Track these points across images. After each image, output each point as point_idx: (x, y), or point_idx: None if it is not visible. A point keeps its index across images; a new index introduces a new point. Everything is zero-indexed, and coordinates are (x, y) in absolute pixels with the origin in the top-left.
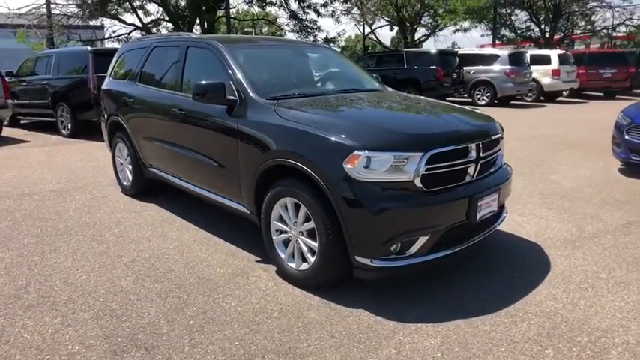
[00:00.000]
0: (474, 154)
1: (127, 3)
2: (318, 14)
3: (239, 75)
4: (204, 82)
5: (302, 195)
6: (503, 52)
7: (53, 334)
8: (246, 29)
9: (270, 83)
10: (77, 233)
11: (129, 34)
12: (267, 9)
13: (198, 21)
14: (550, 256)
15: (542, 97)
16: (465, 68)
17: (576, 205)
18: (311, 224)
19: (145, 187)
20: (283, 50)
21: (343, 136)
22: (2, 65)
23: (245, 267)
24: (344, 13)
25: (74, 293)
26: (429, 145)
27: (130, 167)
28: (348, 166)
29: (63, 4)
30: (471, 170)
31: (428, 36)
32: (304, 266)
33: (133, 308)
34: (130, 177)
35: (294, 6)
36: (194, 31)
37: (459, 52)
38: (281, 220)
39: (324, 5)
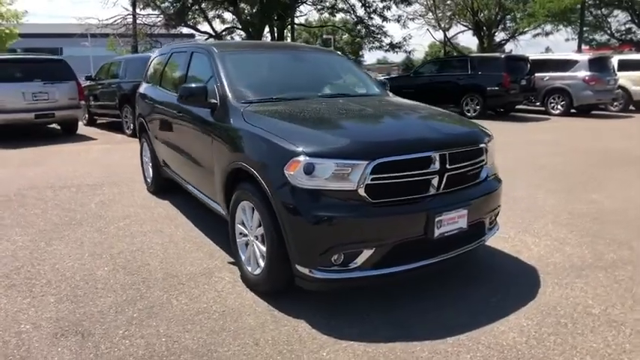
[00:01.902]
0: (437, 164)
1: (202, 13)
2: (384, 19)
3: (223, 79)
4: (187, 85)
5: (254, 199)
6: (583, 57)
7: (15, 313)
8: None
9: (252, 88)
10: (87, 224)
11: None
12: (338, 15)
13: (268, 29)
14: (543, 284)
15: (632, 107)
16: (537, 75)
17: (606, 228)
18: (262, 229)
19: (163, 185)
20: (281, 55)
21: (287, 141)
22: (90, 71)
23: (215, 267)
24: (410, 17)
25: (54, 278)
26: (376, 154)
27: (151, 165)
28: (288, 172)
29: (145, 15)
30: (435, 182)
31: (507, 40)
32: (258, 271)
33: (93, 296)
34: (151, 175)
35: (360, 12)
36: (263, 38)
37: (533, 58)
38: (243, 223)
39: (388, 8)
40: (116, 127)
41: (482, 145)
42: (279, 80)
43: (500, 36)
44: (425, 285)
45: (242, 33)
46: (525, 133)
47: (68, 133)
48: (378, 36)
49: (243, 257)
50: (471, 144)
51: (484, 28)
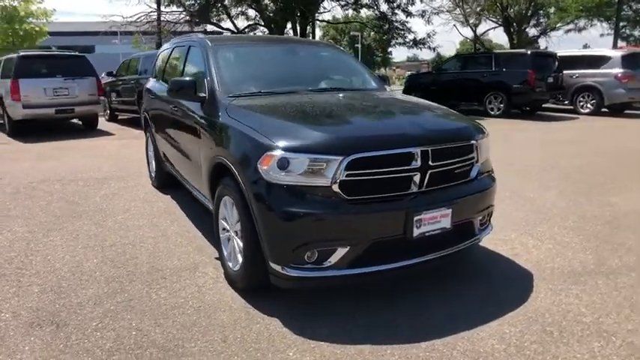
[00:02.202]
0: (418, 161)
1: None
2: (408, 14)
3: (213, 73)
4: (176, 78)
5: (233, 194)
6: (616, 53)
7: None
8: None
9: (241, 81)
10: (87, 217)
11: None
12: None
13: (290, 25)
14: (536, 289)
15: None
16: (566, 72)
17: (617, 233)
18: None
19: (166, 180)
20: (276, 49)
21: (263, 135)
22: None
23: (201, 263)
24: (435, 12)
25: (43, 269)
26: (351, 149)
27: (154, 160)
28: (262, 167)
29: (168, 12)
30: (416, 179)
31: (537, 37)
32: (237, 267)
33: (76, 288)
34: (154, 169)
35: (384, 7)
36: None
37: (562, 54)
38: (225, 218)
39: (412, 3)
40: (136, 123)
41: (472, 142)
42: (271, 74)
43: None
44: (415, 284)
45: (265, 30)
46: (549, 132)
47: (89, 128)
48: (402, 32)
49: (225, 253)
50: (458, 140)
51: (514, 24)
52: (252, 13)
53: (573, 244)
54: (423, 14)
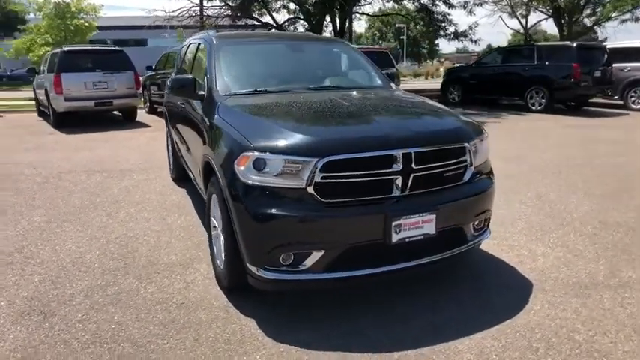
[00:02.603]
0: (400, 164)
1: (264, 5)
2: (450, 6)
3: (213, 70)
4: (176, 76)
5: (217, 193)
6: None
7: (0, 290)
8: (398, 24)
9: (239, 79)
10: (102, 208)
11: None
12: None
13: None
14: (531, 301)
15: None
16: (616, 65)
17: (639, 242)
18: None
19: (182, 173)
20: (281, 46)
21: (242, 135)
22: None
23: (196, 258)
24: (477, 3)
25: (48, 258)
26: (327, 151)
27: (171, 153)
28: (238, 167)
29: (209, 6)
30: (398, 182)
31: (589, 28)
32: (222, 265)
33: (73, 279)
34: (172, 162)
35: None
36: (324, 29)
37: (611, 46)
38: (215, 216)
39: None
40: None
41: (464, 145)
42: (270, 72)
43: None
44: (408, 288)
45: (305, 23)
46: (591, 130)
47: (128, 120)
48: (443, 24)
49: (215, 250)
50: (448, 143)
51: (565, 14)
52: (293, 6)
53: (586, 253)
54: (465, 5)
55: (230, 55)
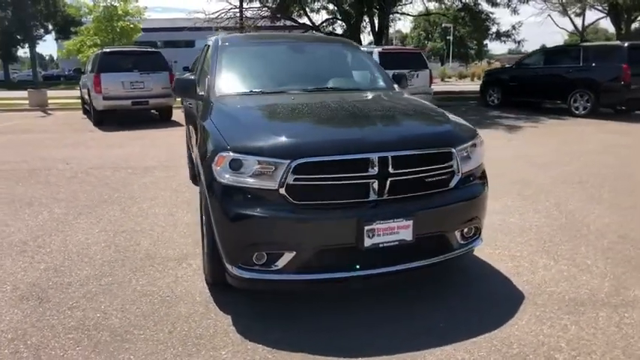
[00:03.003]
0: (376, 168)
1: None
2: (493, 4)
3: (214, 72)
4: (179, 78)
5: (201, 191)
6: None
7: (8, 275)
8: (444, 25)
9: (234, 81)
10: (118, 203)
11: (304, 32)
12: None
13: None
14: (519, 314)
15: None
16: None
17: None
18: None
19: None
20: (285, 48)
21: (221, 136)
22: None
23: (191, 254)
24: (522, 1)
25: (57, 248)
26: (299, 153)
27: (187, 152)
28: (215, 167)
29: (247, 8)
30: (375, 186)
31: None
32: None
33: (74, 268)
34: (188, 160)
35: None
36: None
37: None
38: None
39: None
40: None
41: (451, 150)
42: (270, 73)
43: None
44: (394, 293)
45: (343, 24)
46: (635, 138)
47: (164, 119)
48: (486, 23)
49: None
50: (431, 147)
51: (623, 11)
52: (332, 6)
53: (594, 268)
54: (508, 3)
55: (232, 57)
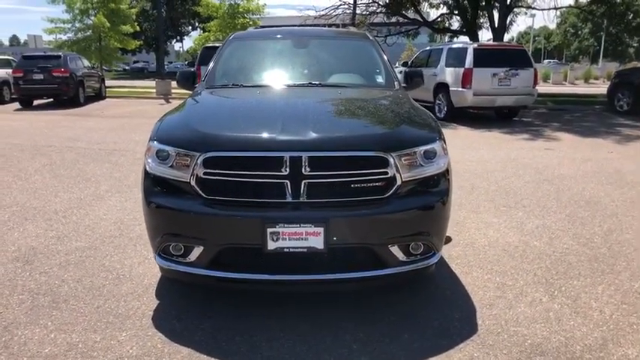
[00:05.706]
0: (287, 168)
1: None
2: None
3: (211, 65)
4: (182, 69)
5: None
6: None
7: (22, 235)
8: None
9: (225, 74)
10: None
11: (417, 28)
12: None
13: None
14: (448, 353)
15: None
16: None
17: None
18: None
19: None
20: (290, 42)
21: (157, 126)
22: None
23: None
24: None
25: (74, 221)
26: (209, 146)
27: None
28: (147, 157)
29: (360, 3)
30: (289, 187)
31: None
32: None
33: (72, 238)
34: None
35: None
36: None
37: None
38: None
39: None
40: None
41: (384, 155)
42: (261, 68)
43: None
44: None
45: (459, 19)
46: None
47: None
48: (628, 17)
49: None
50: (357, 150)
51: None
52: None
53: (596, 313)
54: None
55: (233, 51)
